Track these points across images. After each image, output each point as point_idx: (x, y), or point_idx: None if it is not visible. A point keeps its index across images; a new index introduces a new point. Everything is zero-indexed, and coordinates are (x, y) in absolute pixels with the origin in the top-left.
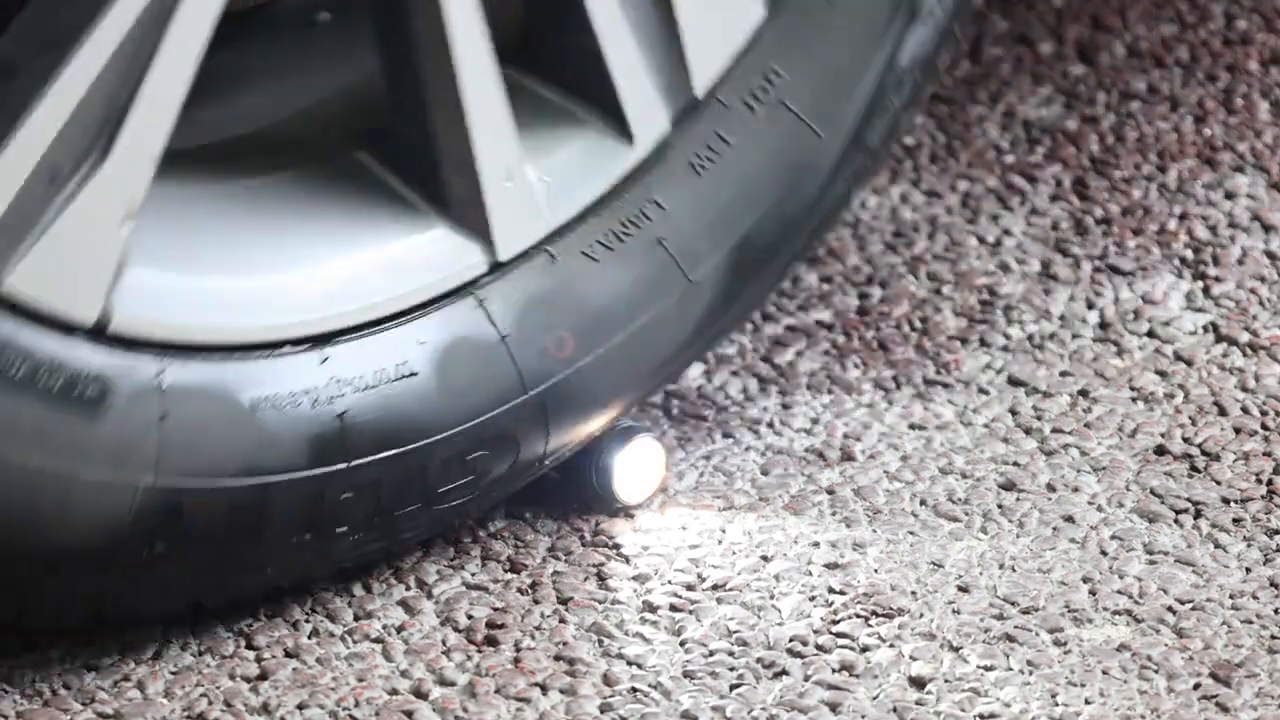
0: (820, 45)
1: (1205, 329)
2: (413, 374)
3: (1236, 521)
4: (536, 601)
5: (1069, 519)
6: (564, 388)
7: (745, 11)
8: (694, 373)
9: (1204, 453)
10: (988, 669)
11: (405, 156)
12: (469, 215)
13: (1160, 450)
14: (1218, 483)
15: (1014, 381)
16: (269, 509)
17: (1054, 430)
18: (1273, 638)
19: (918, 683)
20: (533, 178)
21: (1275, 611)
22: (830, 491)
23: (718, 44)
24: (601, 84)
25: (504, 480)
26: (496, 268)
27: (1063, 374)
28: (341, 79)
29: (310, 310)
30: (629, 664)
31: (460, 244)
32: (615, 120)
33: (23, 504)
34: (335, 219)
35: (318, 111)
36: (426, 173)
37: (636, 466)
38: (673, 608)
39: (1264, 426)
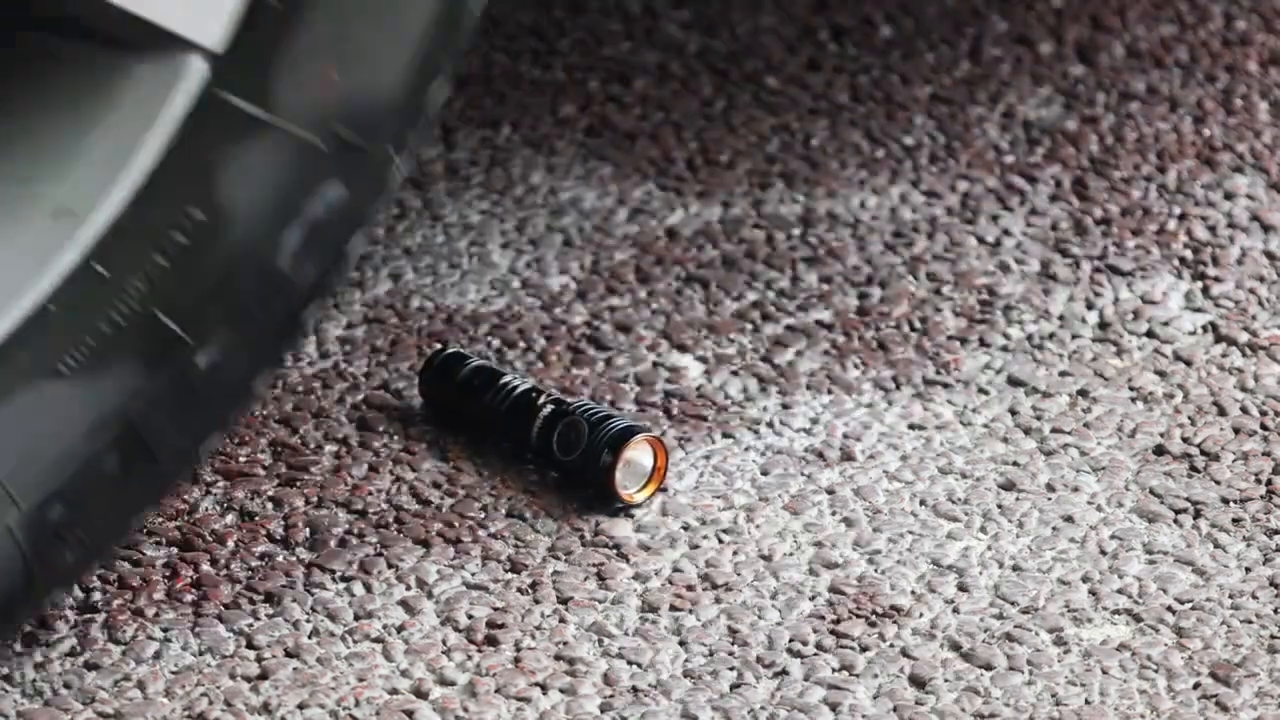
0: None
1: (1204, 329)
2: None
3: (1236, 521)
4: (537, 601)
5: (1069, 519)
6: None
7: None
8: (694, 372)
9: (1203, 453)
10: (988, 669)
11: (67, 26)
12: (165, 40)
13: (1160, 450)
14: (1217, 482)
15: (1013, 381)
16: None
17: (1054, 430)
18: (1272, 637)
19: (918, 683)
20: None
21: (1275, 611)
22: (830, 491)
23: None
24: None
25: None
26: (220, 58)
27: (1062, 374)
28: None
29: None
30: (629, 664)
31: (177, 64)
32: None
33: None
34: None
35: None
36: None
37: (636, 466)
38: (673, 608)
39: (1263, 426)
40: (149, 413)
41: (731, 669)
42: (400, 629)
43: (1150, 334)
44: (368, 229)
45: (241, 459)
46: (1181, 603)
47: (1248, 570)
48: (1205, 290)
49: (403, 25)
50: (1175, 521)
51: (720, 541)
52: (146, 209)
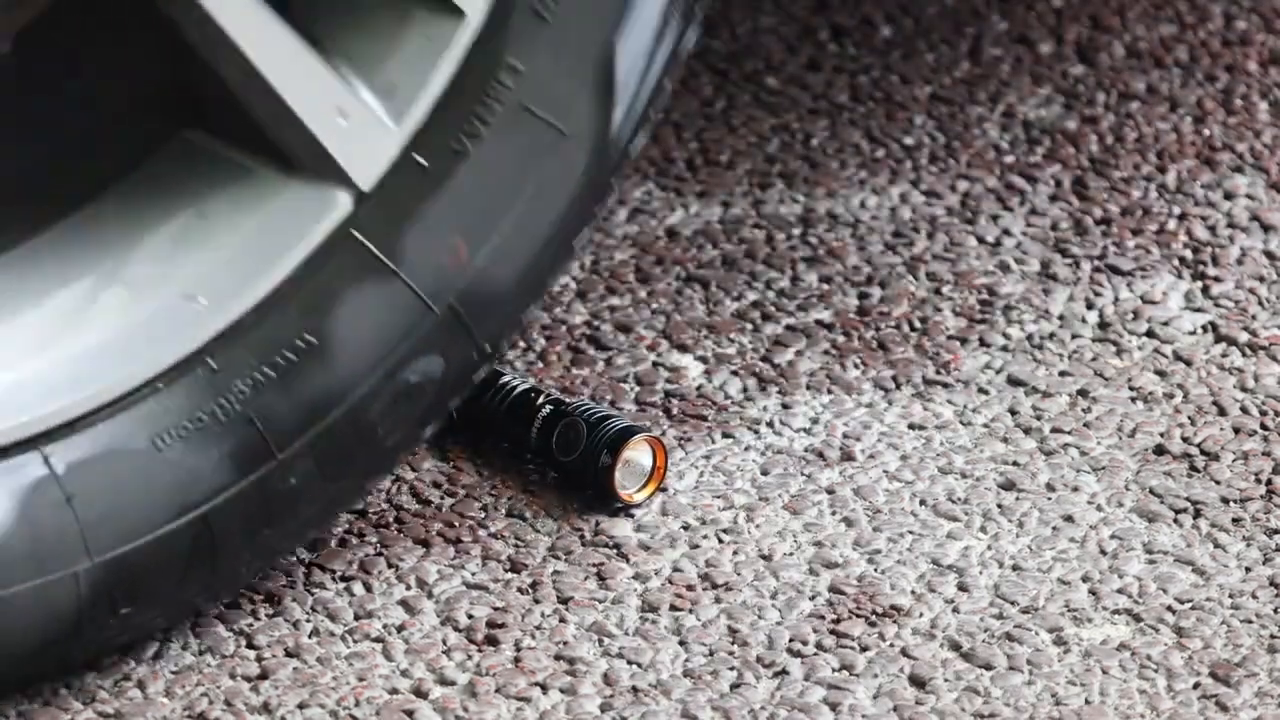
0: None
1: (1204, 329)
2: (316, 343)
3: (1236, 521)
4: (537, 601)
5: (1069, 519)
6: (473, 292)
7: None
8: (694, 372)
9: (1203, 452)
10: (988, 669)
11: (234, 130)
12: (316, 164)
13: (1159, 450)
14: (1217, 482)
15: (1013, 381)
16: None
17: (1053, 430)
18: (1272, 637)
19: (918, 683)
20: (368, 97)
21: (1275, 611)
22: (830, 491)
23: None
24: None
25: (452, 392)
26: (364, 198)
27: (1062, 374)
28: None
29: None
30: (629, 663)
31: (320, 192)
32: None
33: None
34: (206, 205)
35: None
36: (258, 139)
37: (636, 466)
38: (673, 608)
39: (1263, 426)
40: (226, 512)
41: (731, 669)
42: (400, 629)
43: (1150, 334)
44: (442, 414)
45: None
46: (1181, 603)
47: (1248, 570)
48: (1205, 290)
49: (533, 227)
50: (1175, 521)
51: (720, 541)
52: (266, 318)
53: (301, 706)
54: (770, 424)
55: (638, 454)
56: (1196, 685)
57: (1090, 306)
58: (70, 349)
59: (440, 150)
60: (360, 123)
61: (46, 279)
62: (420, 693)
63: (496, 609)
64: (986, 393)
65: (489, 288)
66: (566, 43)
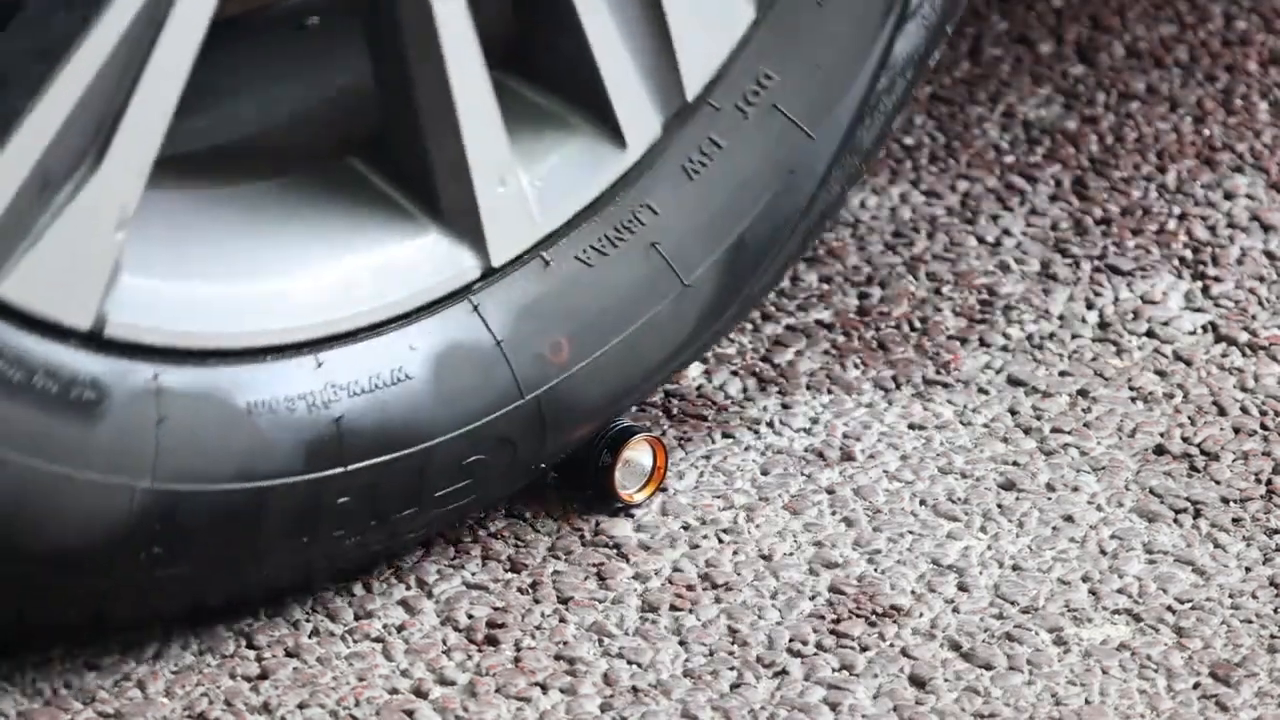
0: (811, 47)
1: (1204, 329)
2: (408, 378)
3: (1236, 521)
4: (537, 601)
5: (1069, 519)
6: (561, 391)
7: (735, 14)
8: (694, 372)
9: (1203, 452)
10: (988, 669)
11: (398, 162)
12: (462, 221)
13: (1159, 450)
14: (1217, 482)
15: (1013, 381)
16: (265, 513)
17: (1053, 430)
18: (1272, 637)
19: (918, 683)
20: (526, 183)
21: (1275, 611)
22: (830, 491)
23: (708, 48)
24: (593, 88)
25: (502, 482)
26: (490, 273)
27: (1062, 374)
28: (331, 85)
29: (304, 315)
30: (629, 663)
31: (454, 249)
32: (607, 124)
33: (22, 504)
34: (328, 224)
35: (309, 117)
36: (419, 178)
37: (636, 466)
38: (673, 608)
39: (1263, 426)
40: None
41: (731, 669)
42: (400, 629)
43: (1150, 334)
44: (460, 505)
45: None
46: (1181, 602)
47: (1248, 570)
48: (1205, 290)
49: (636, 355)
50: (1175, 521)
51: (720, 541)
52: (367, 348)
53: (301, 706)
54: (770, 424)
55: (638, 454)
56: (1196, 685)
57: (1090, 306)
58: None
59: (567, 255)
60: (512, 199)
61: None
62: (420, 693)
63: (496, 609)
64: (986, 393)
65: (577, 396)
66: (702, 210)
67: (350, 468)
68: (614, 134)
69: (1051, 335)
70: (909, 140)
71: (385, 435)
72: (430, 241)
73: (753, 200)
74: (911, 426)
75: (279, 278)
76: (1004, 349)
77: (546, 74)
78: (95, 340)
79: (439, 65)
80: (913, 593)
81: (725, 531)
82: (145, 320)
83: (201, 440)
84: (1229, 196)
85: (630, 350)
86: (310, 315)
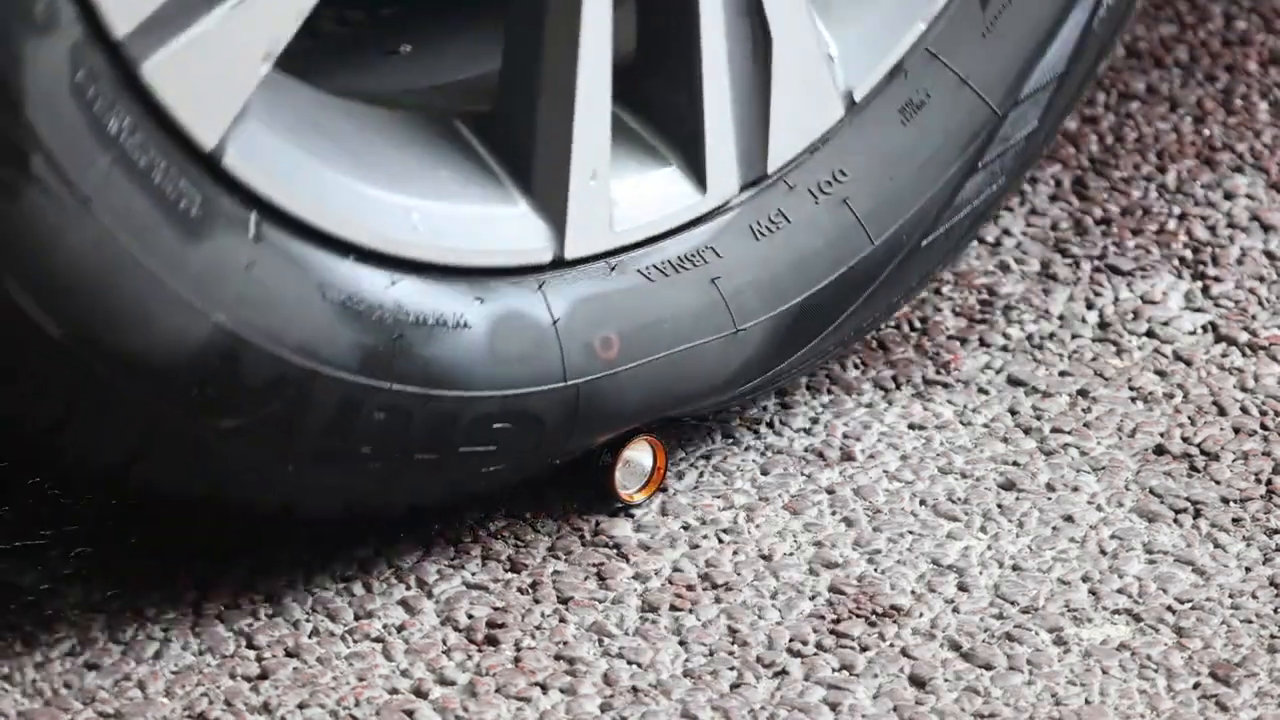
0: (888, 160)
1: (1204, 329)
2: (467, 326)
3: (1236, 521)
4: (537, 601)
5: (1069, 519)
6: (601, 386)
7: (826, 110)
8: None
9: (1203, 452)
10: (988, 669)
11: (503, 132)
12: (550, 205)
13: (1159, 450)
14: (1217, 482)
15: (1013, 381)
16: (311, 396)
17: (1053, 430)
18: (1272, 637)
19: (918, 683)
20: (612, 193)
21: (1275, 611)
22: (830, 491)
23: (796, 132)
24: (693, 136)
25: (517, 461)
26: (561, 263)
27: (1062, 374)
28: (460, 67)
29: (390, 232)
30: (629, 663)
31: (536, 228)
32: (694, 168)
33: (117, 289)
34: (430, 162)
35: (437, 88)
36: (519, 150)
37: (636, 466)
38: (673, 608)
39: (1263, 426)
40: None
41: (731, 669)
42: (400, 629)
43: (1150, 334)
44: (467, 480)
45: None
46: (1181, 602)
47: (1248, 570)
48: (1205, 290)
49: (682, 372)
50: (1175, 521)
51: (720, 541)
52: (438, 286)
53: (301, 706)
54: (770, 424)
55: (638, 454)
56: (1196, 685)
57: (1090, 306)
58: None
59: (631, 267)
60: (598, 201)
61: None
62: (420, 693)
63: (496, 609)
64: (986, 393)
65: (614, 395)
66: (763, 269)
67: (394, 387)
68: (698, 178)
69: (1051, 335)
70: None
71: (434, 370)
72: (518, 214)
73: (811, 277)
74: (911, 426)
75: (377, 189)
76: (1004, 349)
77: (654, 110)
78: (212, 164)
79: (573, 51)
80: (913, 593)
81: (725, 531)
82: (260, 167)
83: (277, 301)
84: (1229, 196)
85: (673, 368)
86: (395, 234)
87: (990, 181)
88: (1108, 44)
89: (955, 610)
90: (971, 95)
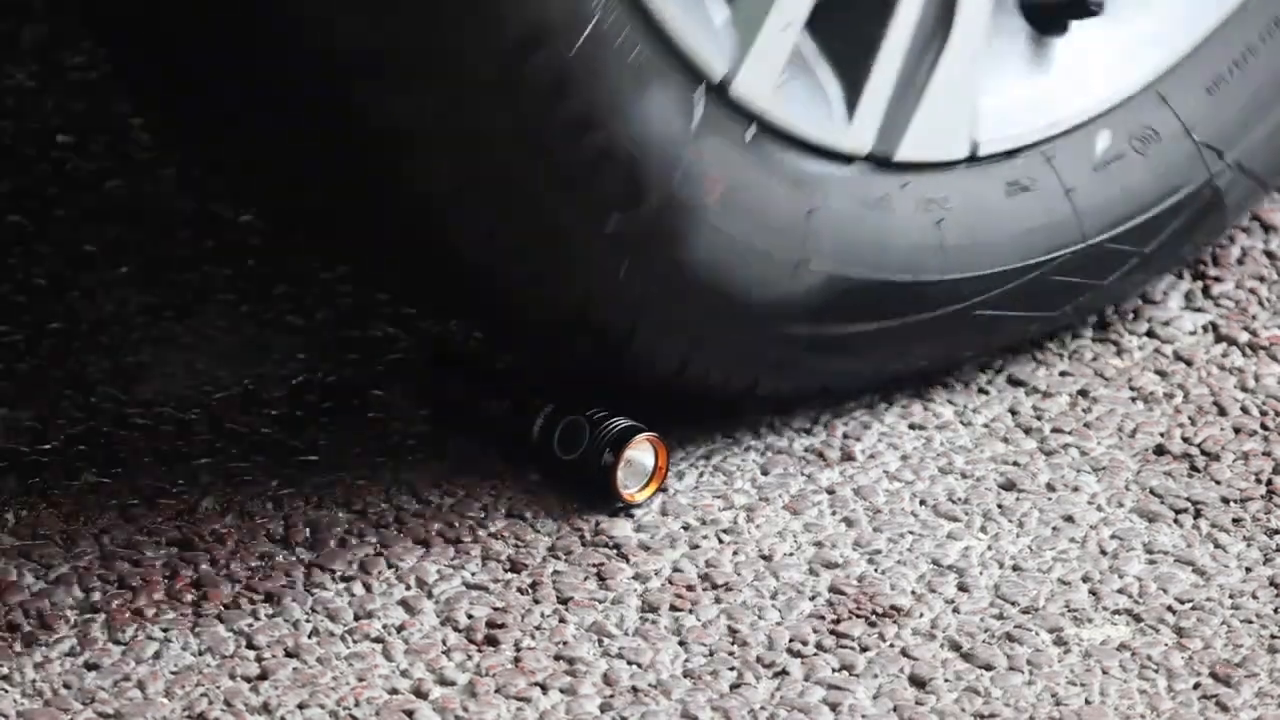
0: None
1: (1205, 329)
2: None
3: (1236, 521)
4: (537, 601)
5: (1069, 519)
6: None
7: None
8: None
9: (1203, 452)
10: (988, 669)
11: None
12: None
13: (1160, 450)
14: (1217, 482)
15: (1013, 381)
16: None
17: (1054, 430)
18: (1273, 637)
19: (918, 683)
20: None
21: (1275, 611)
22: (830, 491)
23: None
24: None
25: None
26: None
27: (1062, 374)
28: None
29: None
30: (629, 664)
31: None
32: None
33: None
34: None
35: None
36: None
37: (638, 466)
38: (673, 608)
39: (1264, 426)
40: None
41: (731, 669)
42: (400, 629)
43: (1150, 334)
44: None
45: (242, 458)
46: (1181, 603)
47: (1248, 570)
48: (1205, 290)
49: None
50: (1175, 521)
51: (720, 541)
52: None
53: (301, 706)
54: (770, 424)
55: (640, 453)
56: (1197, 685)
57: None
58: None
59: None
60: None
61: None
62: (420, 693)
63: (496, 609)
64: (986, 393)
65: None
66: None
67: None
68: None
69: (1051, 335)
70: None
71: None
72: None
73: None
74: (911, 426)
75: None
76: (1004, 349)
77: None
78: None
79: None
80: (913, 593)
81: (725, 531)
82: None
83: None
84: None
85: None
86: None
87: None
88: None
89: (955, 610)
90: None
